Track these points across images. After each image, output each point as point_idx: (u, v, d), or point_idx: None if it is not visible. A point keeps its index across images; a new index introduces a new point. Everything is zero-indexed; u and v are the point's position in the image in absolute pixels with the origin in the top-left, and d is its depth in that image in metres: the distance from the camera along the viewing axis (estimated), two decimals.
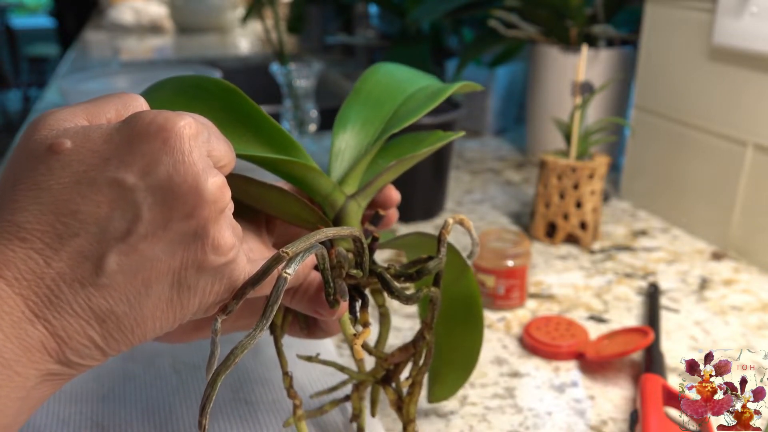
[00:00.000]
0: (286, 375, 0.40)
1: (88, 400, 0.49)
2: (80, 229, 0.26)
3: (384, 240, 0.43)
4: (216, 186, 0.28)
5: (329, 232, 0.32)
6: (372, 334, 0.51)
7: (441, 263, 0.37)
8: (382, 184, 0.40)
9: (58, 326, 0.26)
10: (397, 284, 0.37)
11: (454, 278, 0.42)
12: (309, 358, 0.42)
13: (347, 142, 0.41)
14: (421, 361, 0.40)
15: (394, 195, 0.42)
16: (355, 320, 0.38)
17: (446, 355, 0.45)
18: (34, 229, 0.26)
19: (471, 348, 0.44)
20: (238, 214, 0.35)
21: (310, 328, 0.42)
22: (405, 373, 0.47)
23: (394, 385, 0.42)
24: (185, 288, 0.28)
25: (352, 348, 0.37)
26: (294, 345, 0.53)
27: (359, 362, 0.43)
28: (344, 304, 0.36)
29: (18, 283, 0.26)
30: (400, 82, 0.44)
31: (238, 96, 0.35)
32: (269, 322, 0.30)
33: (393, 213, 0.43)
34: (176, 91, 0.36)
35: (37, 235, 0.26)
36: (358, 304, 0.38)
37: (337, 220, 0.38)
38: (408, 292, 0.37)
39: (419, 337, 0.39)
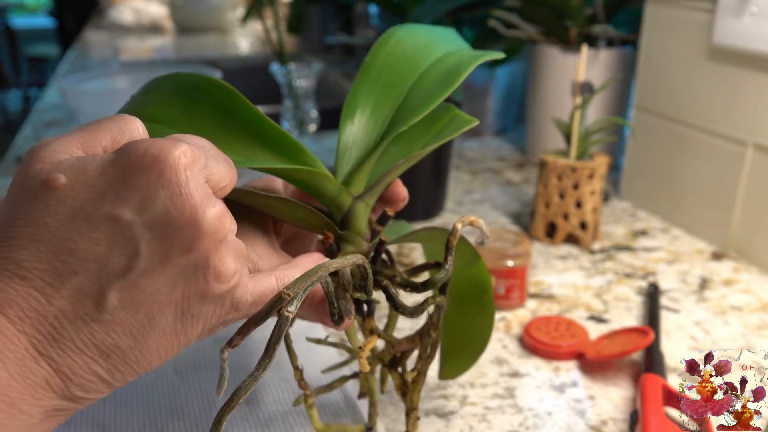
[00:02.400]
0: (297, 369, 0.41)
1: None
2: (79, 267, 0.26)
3: (397, 235, 0.43)
4: (215, 217, 0.27)
5: (332, 266, 0.32)
6: (382, 317, 0.51)
7: (448, 274, 0.37)
8: (390, 181, 0.40)
9: (62, 363, 0.26)
10: (401, 300, 0.37)
11: (465, 263, 0.42)
12: (318, 341, 0.43)
13: (354, 136, 0.40)
14: (426, 354, 0.40)
15: (402, 191, 0.41)
16: (363, 320, 0.38)
17: (457, 334, 0.45)
18: (33, 267, 0.26)
19: (482, 328, 0.43)
20: (244, 218, 0.35)
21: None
22: (411, 363, 0.47)
23: (400, 369, 0.42)
24: (188, 317, 0.28)
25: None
26: (303, 331, 0.53)
27: (348, 337, 0.43)
28: (348, 321, 0.36)
29: (21, 321, 0.26)
30: (415, 54, 0.41)
31: (235, 97, 0.34)
32: (272, 361, 0.30)
33: (401, 191, 0.42)
34: (173, 93, 0.35)
35: (37, 274, 0.26)
36: (365, 311, 0.38)
37: (345, 222, 0.38)
38: (414, 302, 0.37)
39: (425, 331, 0.40)
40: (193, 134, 0.33)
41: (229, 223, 0.28)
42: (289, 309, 0.30)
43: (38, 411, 0.26)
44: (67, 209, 0.26)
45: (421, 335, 0.40)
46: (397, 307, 0.36)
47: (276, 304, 0.30)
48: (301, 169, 0.35)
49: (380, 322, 0.44)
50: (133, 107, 0.36)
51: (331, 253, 0.38)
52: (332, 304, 0.34)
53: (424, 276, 0.40)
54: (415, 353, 0.42)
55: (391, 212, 0.40)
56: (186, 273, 0.27)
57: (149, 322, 0.27)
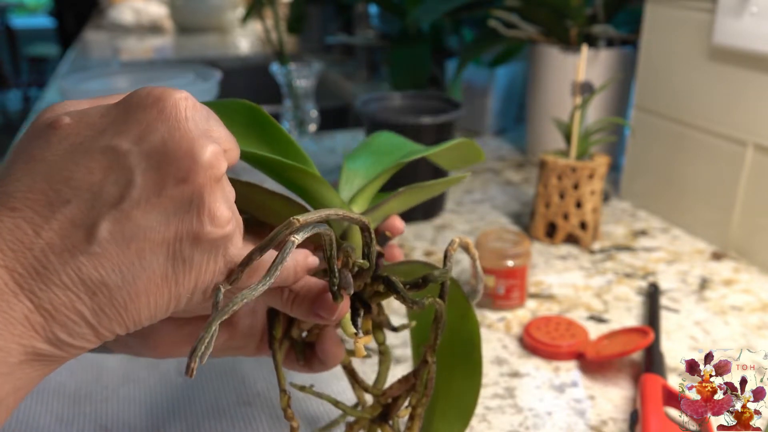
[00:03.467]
0: (284, 393, 0.38)
1: (91, 402, 0.49)
2: (72, 196, 0.26)
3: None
4: (212, 153, 0.27)
5: (341, 211, 0.32)
6: (371, 373, 0.50)
7: (447, 273, 0.36)
8: (390, 210, 0.40)
9: (44, 299, 0.25)
10: (402, 287, 0.35)
11: (456, 318, 0.40)
12: (302, 388, 0.40)
13: (359, 168, 0.42)
14: (423, 389, 0.38)
15: (399, 225, 0.41)
16: (356, 328, 0.37)
17: (441, 403, 0.42)
18: (25, 197, 0.26)
19: (468, 396, 0.41)
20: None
21: (308, 359, 0.40)
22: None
23: (390, 422, 0.39)
24: (180, 261, 0.28)
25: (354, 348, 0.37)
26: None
27: (358, 393, 0.42)
28: (346, 303, 0.35)
29: (3, 254, 0.25)
30: (400, 143, 0.48)
31: (260, 115, 0.35)
32: (272, 280, 0.29)
33: (398, 252, 0.43)
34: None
35: (28, 204, 0.26)
36: (361, 314, 0.37)
37: (344, 235, 0.38)
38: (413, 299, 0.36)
39: (421, 363, 0.38)
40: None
41: (224, 166, 0.28)
42: (296, 236, 0.29)
43: (17, 349, 0.25)
44: (67, 145, 0.27)
45: (416, 371, 0.38)
46: (397, 291, 0.35)
47: (283, 230, 0.29)
48: (307, 171, 0.35)
49: (369, 378, 0.43)
50: None
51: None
52: (333, 272, 0.33)
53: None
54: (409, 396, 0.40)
55: (389, 234, 0.40)
56: (180, 208, 0.27)
57: (139, 260, 0.27)
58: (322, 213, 0.31)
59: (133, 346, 0.36)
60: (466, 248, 0.38)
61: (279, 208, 0.36)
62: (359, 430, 0.40)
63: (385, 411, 0.39)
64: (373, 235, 0.35)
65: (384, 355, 0.42)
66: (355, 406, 0.43)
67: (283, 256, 0.29)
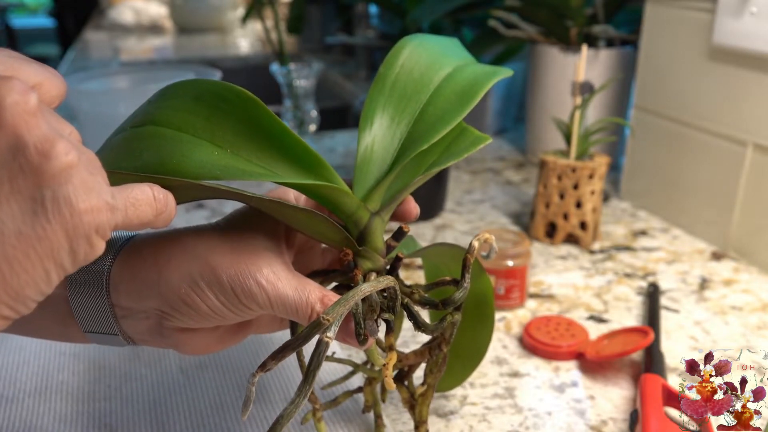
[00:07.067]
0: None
1: (94, 400, 0.49)
2: None
3: (407, 249, 0.43)
4: (15, 90, 0.25)
5: (366, 289, 0.33)
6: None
7: (466, 292, 0.38)
8: (405, 197, 0.40)
9: None
10: (423, 319, 0.38)
11: (472, 278, 0.42)
12: (326, 357, 0.43)
13: (373, 150, 0.40)
14: (437, 368, 0.41)
15: (414, 208, 0.41)
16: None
17: (455, 347, 0.45)
18: None
19: (480, 342, 0.45)
20: (257, 233, 0.35)
21: None
22: (419, 373, 0.48)
23: (406, 383, 0.42)
24: (30, 214, 0.25)
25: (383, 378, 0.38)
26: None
27: (370, 355, 0.43)
28: (371, 340, 0.36)
29: None
30: (426, 68, 0.41)
31: (259, 108, 0.33)
32: (312, 387, 0.30)
33: (413, 206, 0.42)
34: (196, 99, 0.34)
35: None
36: (383, 328, 0.39)
37: (361, 238, 0.38)
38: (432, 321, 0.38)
39: (436, 346, 0.40)
40: (215, 142, 0.33)
41: (33, 97, 0.25)
42: (328, 335, 0.30)
43: None
44: None
45: (430, 350, 0.40)
46: (419, 325, 0.37)
47: (315, 329, 0.31)
48: (324, 185, 0.35)
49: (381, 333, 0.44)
50: (151, 111, 0.35)
51: (348, 269, 0.38)
52: (359, 324, 0.35)
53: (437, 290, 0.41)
54: (422, 366, 0.42)
55: (406, 228, 0.40)
56: (3, 158, 0.25)
57: None
58: (350, 301, 0.32)
59: (165, 347, 0.38)
60: (485, 242, 0.39)
61: (304, 219, 0.36)
62: (376, 385, 0.44)
63: (401, 373, 0.42)
64: (398, 292, 0.37)
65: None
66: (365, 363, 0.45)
67: (319, 360, 0.30)
